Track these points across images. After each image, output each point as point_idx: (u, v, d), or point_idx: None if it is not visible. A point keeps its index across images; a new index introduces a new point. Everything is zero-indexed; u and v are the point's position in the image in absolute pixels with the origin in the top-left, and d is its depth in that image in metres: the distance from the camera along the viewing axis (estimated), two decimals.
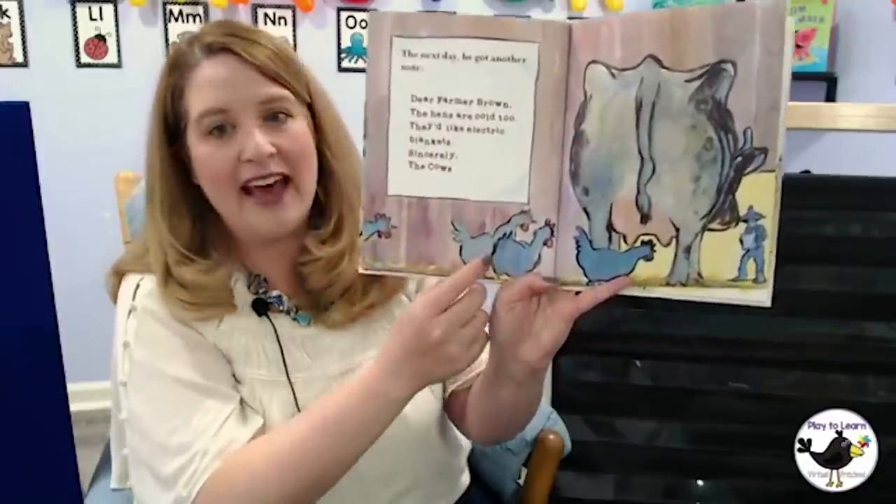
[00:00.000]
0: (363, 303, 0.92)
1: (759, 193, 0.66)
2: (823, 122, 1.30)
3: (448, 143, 0.72)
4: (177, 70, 0.86)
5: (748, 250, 0.67)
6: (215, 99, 0.84)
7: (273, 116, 0.85)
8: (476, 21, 0.71)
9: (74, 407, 0.60)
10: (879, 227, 1.24)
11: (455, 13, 0.74)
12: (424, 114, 0.71)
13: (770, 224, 0.66)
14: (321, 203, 0.92)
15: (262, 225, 0.87)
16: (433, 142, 0.72)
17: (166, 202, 0.88)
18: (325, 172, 0.91)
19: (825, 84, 2.99)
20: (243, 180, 0.84)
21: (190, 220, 0.89)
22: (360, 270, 0.75)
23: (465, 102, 0.71)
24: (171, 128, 0.88)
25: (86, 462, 0.80)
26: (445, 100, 0.71)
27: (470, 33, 0.70)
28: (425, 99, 0.71)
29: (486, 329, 0.75)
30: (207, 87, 0.84)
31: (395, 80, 0.71)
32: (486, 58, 0.70)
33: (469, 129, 0.71)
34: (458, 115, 0.71)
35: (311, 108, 0.90)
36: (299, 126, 0.87)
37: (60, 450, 0.58)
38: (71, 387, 0.59)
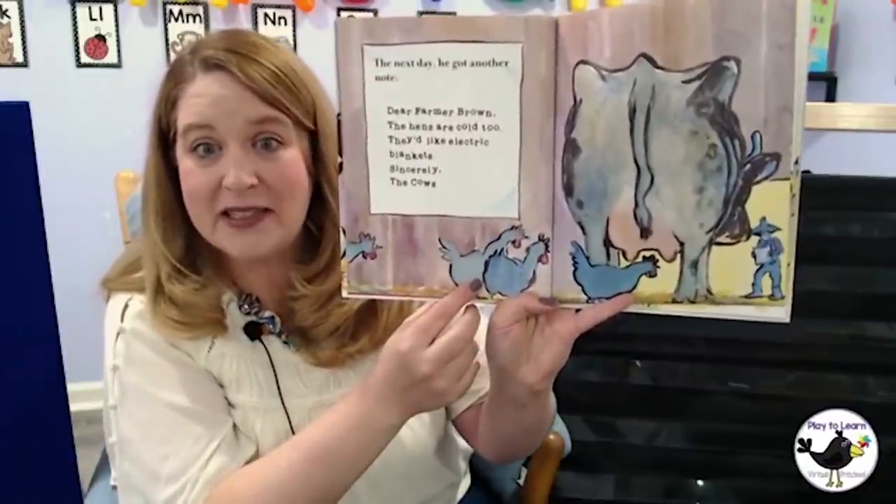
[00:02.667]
0: (351, 348, 0.87)
1: (773, 204, 0.60)
2: (823, 122, 1.31)
3: (430, 156, 0.67)
4: (173, 79, 0.83)
5: (762, 265, 0.61)
6: (203, 114, 0.80)
7: (265, 143, 0.81)
8: (450, 23, 0.65)
9: (74, 407, 0.60)
10: (879, 227, 1.24)
11: (426, 14, 0.72)
12: (403, 126, 0.67)
13: (786, 237, 0.60)
14: (313, 237, 0.87)
15: (233, 247, 0.82)
16: (414, 156, 0.67)
17: (160, 211, 0.85)
18: (320, 206, 0.86)
19: (825, 84, 3.00)
20: (221, 208, 0.80)
21: (183, 233, 0.86)
22: (345, 295, 0.71)
23: (444, 113, 0.66)
24: (164, 136, 0.85)
25: (86, 462, 0.81)
26: (424, 111, 0.66)
27: (444, 37, 0.65)
28: (402, 111, 0.67)
29: (481, 354, 0.72)
30: (197, 102, 0.80)
31: (369, 92, 0.67)
32: (465, 63, 0.65)
33: (451, 142, 0.67)
34: (439, 127, 0.66)
35: (314, 135, 0.85)
36: (291, 155, 0.82)
37: (60, 450, 0.57)
38: (71, 387, 0.59)
